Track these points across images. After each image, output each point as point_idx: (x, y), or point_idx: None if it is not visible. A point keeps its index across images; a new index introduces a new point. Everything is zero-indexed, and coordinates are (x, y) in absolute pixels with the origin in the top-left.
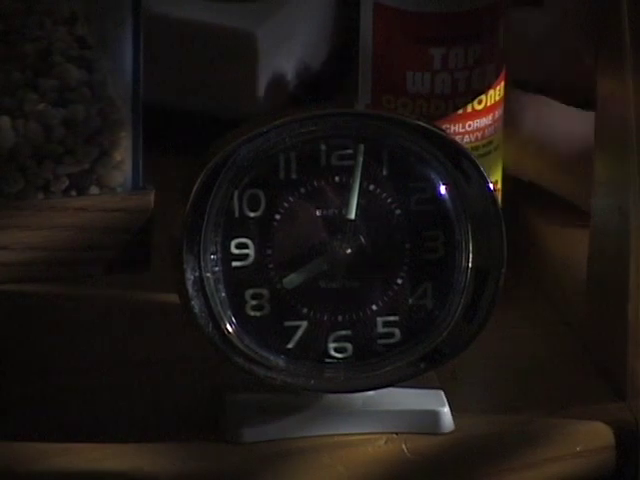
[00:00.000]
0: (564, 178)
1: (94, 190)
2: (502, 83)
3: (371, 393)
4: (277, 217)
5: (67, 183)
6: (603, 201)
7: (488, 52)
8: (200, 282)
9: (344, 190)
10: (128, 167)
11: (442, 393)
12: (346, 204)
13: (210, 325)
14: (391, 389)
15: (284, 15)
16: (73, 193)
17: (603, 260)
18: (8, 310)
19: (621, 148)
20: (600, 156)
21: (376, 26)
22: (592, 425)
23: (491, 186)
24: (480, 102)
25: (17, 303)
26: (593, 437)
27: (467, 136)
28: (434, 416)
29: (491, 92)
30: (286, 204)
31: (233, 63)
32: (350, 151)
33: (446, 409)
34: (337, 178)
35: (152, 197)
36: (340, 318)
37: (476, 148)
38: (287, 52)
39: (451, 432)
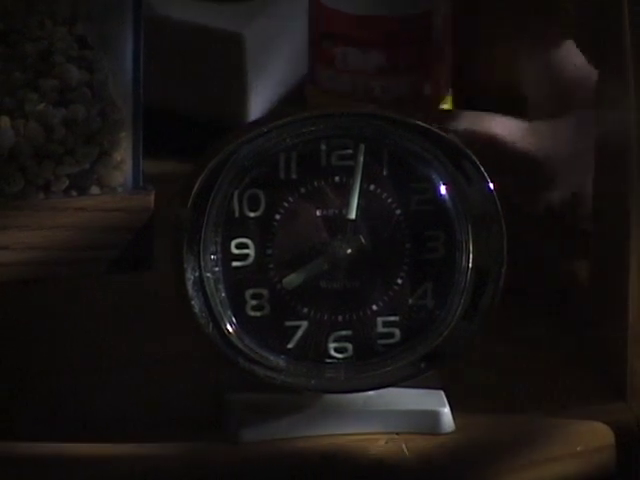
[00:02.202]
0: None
1: (94, 190)
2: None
3: (371, 393)
4: (277, 217)
5: (67, 183)
6: (604, 201)
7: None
8: (200, 282)
9: (344, 190)
10: (128, 167)
11: (442, 393)
12: (346, 204)
13: (210, 325)
14: (391, 389)
15: (272, 15)
16: (73, 193)
17: (604, 260)
18: (8, 310)
19: (621, 150)
20: (601, 157)
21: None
22: (592, 425)
23: (491, 186)
24: None
25: (17, 303)
26: (593, 437)
27: None
28: (435, 416)
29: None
30: (286, 204)
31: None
32: (350, 151)
33: (447, 409)
34: (337, 178)
35: (152, 197)
36: (340, 318)
37: None
38: (275, 52)
39: (451, 432)
